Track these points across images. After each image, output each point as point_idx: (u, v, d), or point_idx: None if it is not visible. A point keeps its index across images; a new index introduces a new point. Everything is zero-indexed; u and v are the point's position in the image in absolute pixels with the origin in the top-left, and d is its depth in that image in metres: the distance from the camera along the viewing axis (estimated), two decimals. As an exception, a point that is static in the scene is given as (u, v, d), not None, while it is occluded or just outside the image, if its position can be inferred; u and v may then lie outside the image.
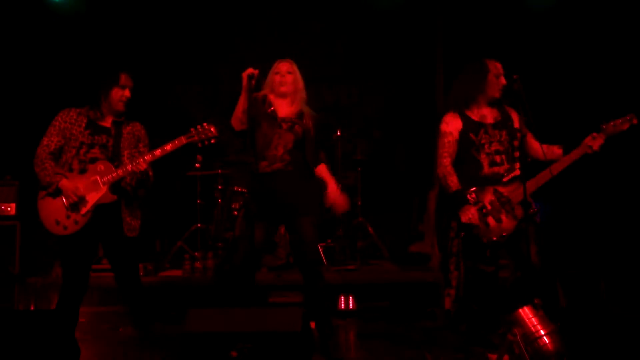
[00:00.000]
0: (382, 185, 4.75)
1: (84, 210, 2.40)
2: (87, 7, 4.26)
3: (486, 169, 2.47)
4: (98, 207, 2.42)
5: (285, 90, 2.60)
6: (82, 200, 2.40)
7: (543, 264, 2.42)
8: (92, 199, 2.41)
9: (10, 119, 4.11)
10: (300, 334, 2.09)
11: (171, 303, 3.42)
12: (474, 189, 2.44)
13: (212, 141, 2.45)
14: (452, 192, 2.46)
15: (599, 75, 3.89)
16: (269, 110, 2.56)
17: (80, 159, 2.45)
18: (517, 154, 2.47)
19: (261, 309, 2.24)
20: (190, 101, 4.81)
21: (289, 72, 2.61)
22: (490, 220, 2.40)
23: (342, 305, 3.54)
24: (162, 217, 4.41)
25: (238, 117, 2.52)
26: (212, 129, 2.45)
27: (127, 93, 2.49)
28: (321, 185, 2.60)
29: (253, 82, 2.45)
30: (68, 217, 2.40)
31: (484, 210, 2.41)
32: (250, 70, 2.43)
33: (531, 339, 2.12)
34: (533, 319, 2.15)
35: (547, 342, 2.10)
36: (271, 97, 2.62)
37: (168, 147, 2.44)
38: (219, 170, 4.14)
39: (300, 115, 2.61)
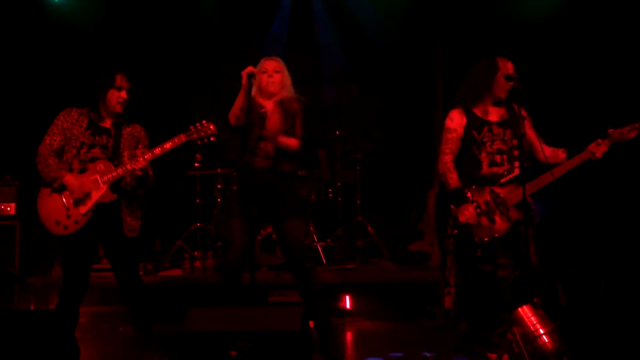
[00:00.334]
0: (381, 184, 4.75)
1: (84, 209, 2.40)
2: (87, 8, 4.26)
3: (485, 169, 2.46)
4: (98, 207, 2.42)
5: (273, 90, 2.57)
6: (87, 196, 2.39)
7: (542, 263, 2.42)
8: (92, 197, 2.41)
9: (10, 119, 4.11)
10: (299, 334, 2.09)
11: (171, 302, 3.42)
12: (473, 187, 2.43)
13: (212, 139, 2.45)
14: (451, 189, 2.45)
15: (600, 84, 3.88)
16: (261, 111, 2.55)
17: (81, 158, 2.45)
18: (516, 152, 2.46)
19: (261, 309, 2.24)
20: (191, 101, 4.81)
21: (277, 71, 2.57)
22: (484, 220, 2.40)
23: (342, 305, 3.54)
24: (162, 217, 4.41)
25: (235, 114, 2.50)
26: (212, 127, 2.44)
27: (123, 95, 2.48)
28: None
29: (253, 80, 2.44)
30: (68, 217, 2.41)
31: (478, 210, 2.40)
32: (250, 69, 2.42)
33: (530, 338, 2.12)
34: (532, 318, 2.16)
35: (547, 341, 2.11)
36: (259, 97, 2.58)
37: (168, 145, 2.44)
38: (219, 170, 4.14)
39: (281, 105, 2.56)
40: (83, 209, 2.40)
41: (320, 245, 3.98)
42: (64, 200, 2.41)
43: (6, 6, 4.04)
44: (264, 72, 2.57)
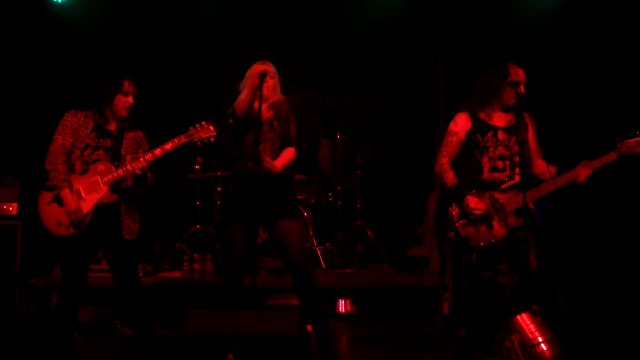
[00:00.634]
0: (381, 189, 4.75)
1: (85, 210, 2.41)
2: (89, 9, 4.29)
3: (485, 174, 2.46)
4: (99, 208, 2.43)
5: (268, 94, 2.60)
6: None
7: (541, 270, 2.41)
8: (93, 199, 2.42)
9: (12, 120, 4.12)
10: (297, 337, 2.09)
11: (170, 304, 3.43)
12: (474, 192, 2.43)
13: (212, 139, 2.46)
14: (449, 187, 2.45)
15: (610, 89, 3.86)
16: (254, 114, 2.56)
17: (84, 159, 2.47)
18: (517, 158, 2.45)
19: (259, 312, 2.24)
20: (191, 103, 4.82)
21: (271, 77, 2.60)
22: (481, 226, 2.40)
23: (340, 309, 3.54)
24: (162, 219, 4.42)
25: (242, 109, 2.54)
26: (211, 128, 2.46)
27: (130, 100, 2.51)
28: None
29: (265, 78, 2.48)
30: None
31: (478, 212, 2.39)
32: (262, 67, 2.45)
33: (529, 345, 2.12)
34: (531, 326, 2.15)
35: (545, 349, 2.10)
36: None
37: (168, 146, 2.45)
38: (219, 172, 4.15)
39: (273, 108, 2.61)
40: (84, 210, 2.41)
41: (320, 249, 3.98)
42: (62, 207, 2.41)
43: (7, 6, 4.06)
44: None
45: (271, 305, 3.42)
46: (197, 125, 2.47)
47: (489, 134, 2.46)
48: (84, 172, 2.46)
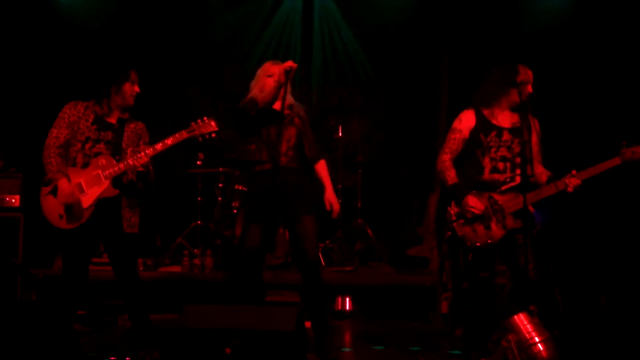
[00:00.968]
0: (382, 188, 4.75)
1: (86, 204, 2.42)
2: (92, 5, 4.30)
3: (486, 175, 2.44)
4: (100, 202, 2.44)
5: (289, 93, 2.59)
6: (77, 202, 2.40)
7: (540, 275, 2.40)
8: (94, 193, 2.44)
9: (15, 112, 4.14)
10: (294, 334, 2.10)
11: (170, 298, 3.45)
12: (474, 192, 2.43)
13: (213, 135, 2.47)
14: (450, 186, 2.44)
15: (615, 94, 3.85)
16: (277, 109, 2.55)
17: (85, 153, 2.48)
18: (518, 160, 2.44)
19: (256, 307, 2.25)
20: (194, 100, 4.84)
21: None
22: (479, 226, 2.40)
23: (339, 307, 3.55)
24: (163, 214, 4.44)
25: (265, 101, 2.50)
26: (212, 123, 2.47)
27: (136, 88, 2.54)
28: (320, 183, 2.61)
29: (291, 75, 2.46)
30: (70, 210, 2.43)
31: (477, 212, 2.39)
32: (289, 64, 2.44)
33: (525, 345, 2.11)
34: (528, 326, 2.15)
35: (541, 349, 2.10)
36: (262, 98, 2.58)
37: (169, 141, 2.46)
38: (220, 168, 4.17)
39: (291, 107, 2.61)
40: (85, 204, 2.43)
41: (319, 247, 3.99)
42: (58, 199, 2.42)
43: (11, 2, 4.08)
44: (269, 76, 2.57)
45: (269, 302, 3.43)
46: (199, 121, 2.48)
47: (493, 134, 2.44)
48: (85, 165, 2.47)
